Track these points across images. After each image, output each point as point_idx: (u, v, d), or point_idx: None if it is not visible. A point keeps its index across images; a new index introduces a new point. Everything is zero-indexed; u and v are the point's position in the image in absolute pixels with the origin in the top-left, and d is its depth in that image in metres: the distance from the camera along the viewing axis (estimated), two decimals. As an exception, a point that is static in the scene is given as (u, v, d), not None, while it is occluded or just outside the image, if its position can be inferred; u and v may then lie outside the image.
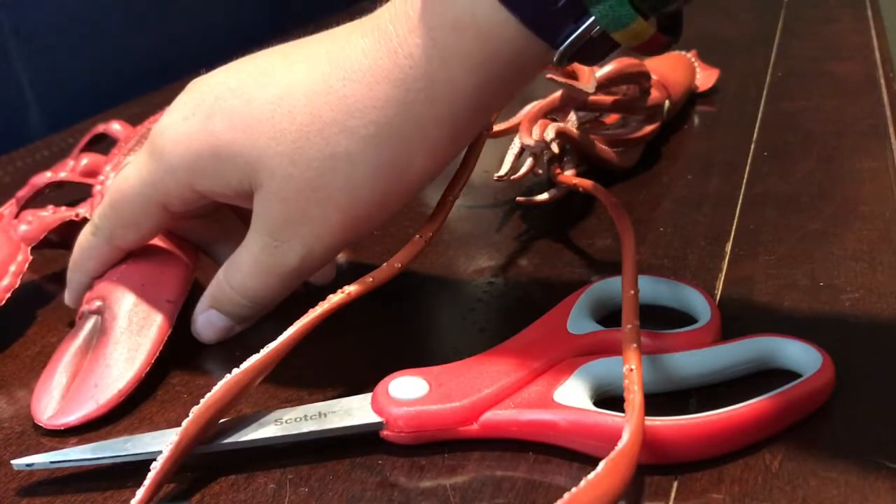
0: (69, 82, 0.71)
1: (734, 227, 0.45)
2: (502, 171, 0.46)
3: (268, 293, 0.38)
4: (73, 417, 0.34)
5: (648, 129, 0.52)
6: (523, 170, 0.47)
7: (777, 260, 0.42)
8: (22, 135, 0.66)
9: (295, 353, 0.37)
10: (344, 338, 0.38)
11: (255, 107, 0.35)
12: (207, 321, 0.39)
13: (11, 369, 0.38)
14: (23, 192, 0.48)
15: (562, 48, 0.32)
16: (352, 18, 0.35)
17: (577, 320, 0.35)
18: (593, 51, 0.32)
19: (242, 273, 0.37)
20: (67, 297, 0.40)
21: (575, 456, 0.30)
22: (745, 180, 0.50)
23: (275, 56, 0.36)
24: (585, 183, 0.44)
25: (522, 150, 0.46)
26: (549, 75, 0.46)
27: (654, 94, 0.52)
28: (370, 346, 0.38)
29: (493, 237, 0.46)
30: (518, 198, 0.48)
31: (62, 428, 0.34)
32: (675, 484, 0.29)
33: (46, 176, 0.47)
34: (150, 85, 0.73)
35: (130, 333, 0.36)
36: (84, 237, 0.39)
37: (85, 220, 0.43)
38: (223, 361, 0.37)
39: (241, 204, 0.37)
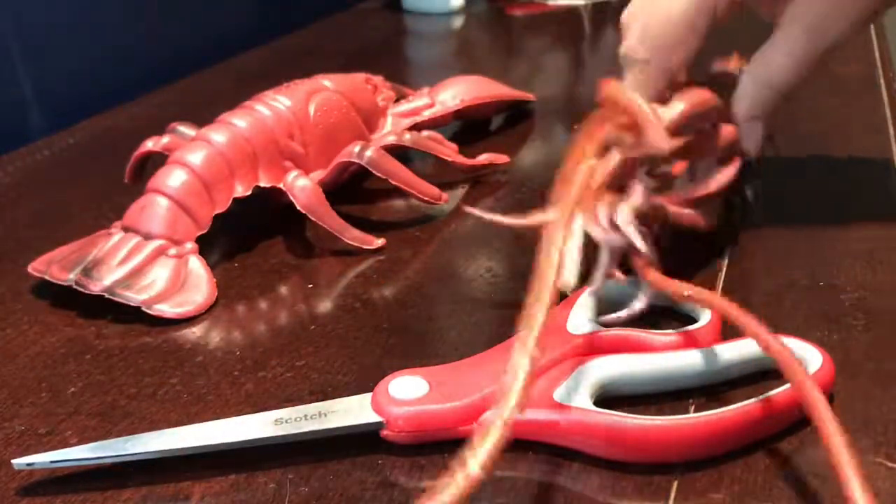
0: (69, 82, 0.71)
1: (734, 227, 0.45)
2: (570, 282, 0.31)
3: (800, 83, 0.42)
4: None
5: (730, 171, 0.41)
6: (598, 278, 0.34)
7: (777, 259, 0.42)
8: (22, 135, 0.66)
9: (294, 353, 0.37)
10: (344, 338, 0.38)
11: None
12: (754, 133, 0.42)
13: (11, 369, 0.38)
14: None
15: None
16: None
17: (577, 320, 0.35)
18: None
19: (784, 72, 0.41)
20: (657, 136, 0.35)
21: (575, 456, 0.30)
22: (745, 180, 0.50)
23: None
24: (694, 290, 0.34)
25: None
26: (614, 148, 0.35)
27: (726, 128, 0.41)
28: (370, 346, 0.38)
29: (493, 237, 0.46)
30: (601, 317, 0.36)
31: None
32: (675, 484, 0.29)
33: (148, 146, 0.49)
34: (150, 85, 0.73)
35: None
36: (629, 80, 0.41)
37: None
38: (223, 361, 0.37)
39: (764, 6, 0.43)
